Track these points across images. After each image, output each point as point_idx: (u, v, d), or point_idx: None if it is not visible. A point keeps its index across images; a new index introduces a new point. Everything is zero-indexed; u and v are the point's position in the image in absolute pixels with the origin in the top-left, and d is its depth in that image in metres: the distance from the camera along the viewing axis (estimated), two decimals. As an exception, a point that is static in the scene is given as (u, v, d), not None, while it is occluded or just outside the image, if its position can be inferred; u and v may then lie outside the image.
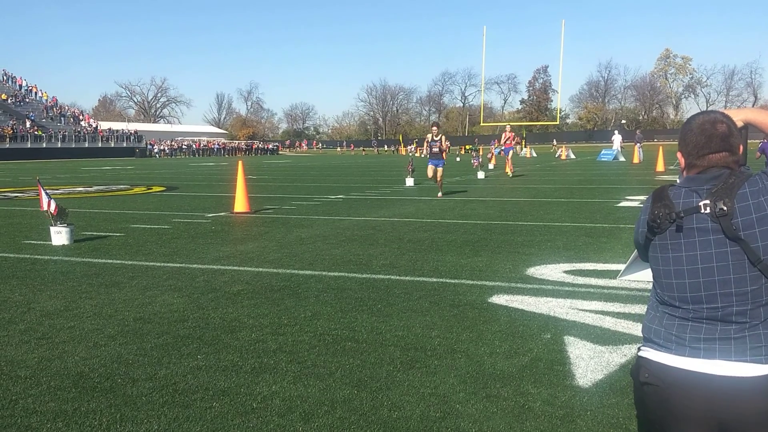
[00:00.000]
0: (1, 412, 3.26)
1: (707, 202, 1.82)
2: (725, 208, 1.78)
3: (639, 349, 1.99)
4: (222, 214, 12.47)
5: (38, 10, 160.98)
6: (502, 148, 24.56)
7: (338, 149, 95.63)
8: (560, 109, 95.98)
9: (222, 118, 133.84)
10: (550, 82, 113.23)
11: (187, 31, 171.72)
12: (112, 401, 3.39)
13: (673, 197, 1.89)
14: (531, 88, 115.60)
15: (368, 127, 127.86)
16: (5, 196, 17.62)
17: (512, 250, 7.99)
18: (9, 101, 69.11)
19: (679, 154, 1.99)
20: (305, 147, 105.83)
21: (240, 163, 13.74)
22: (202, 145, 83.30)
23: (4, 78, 75.84)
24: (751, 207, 1.79)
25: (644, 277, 5.88)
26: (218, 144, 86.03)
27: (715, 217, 1.80)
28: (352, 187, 19.71)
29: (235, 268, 7.06)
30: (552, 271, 6.65)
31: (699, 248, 1.83)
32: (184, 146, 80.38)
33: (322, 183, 22.50)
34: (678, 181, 2.06)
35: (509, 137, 25.27)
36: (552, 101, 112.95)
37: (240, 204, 12.81)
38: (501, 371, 3.83)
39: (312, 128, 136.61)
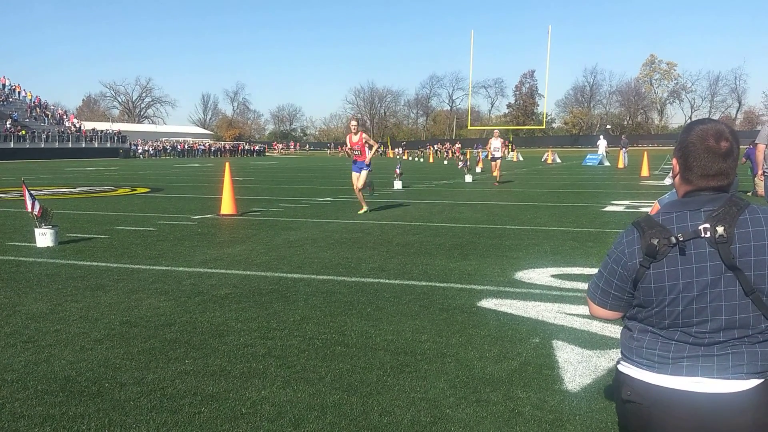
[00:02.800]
0: (-14, 417, 3.22)
1: (707, 225, 1.78)
2: (725, 235, 1.76)
3: (618, 362, 1.96)
4: (208, 216, 12.40)
5: (23, 9, 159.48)
6: (493, 154, 23.29)
7: (327, 151, 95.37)
8: (546, 114, 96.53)
9: (208, 119, 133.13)
10: (536, 87, 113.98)
11: (173, 31, 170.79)
12: (100, 406, 3.36)
13: (665, 223, 1.84)
14: (518, 93, 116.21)
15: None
16: (-12, 196, 17.39)
17: (500, 254, 8.02)
18: (-9, 100, 68.27)
19: (674, 161, 1.94)
20: (294, 149, 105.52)
21: (227, 164, 13.67)
22: (187, 146, 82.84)
23: (-13, 77, 74.88)
24: (750, 235, 1.77)
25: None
26: (204, 145, 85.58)
27: (714, 242, 1.77)
28: (340, 189, 19.69)
29: (223, 271, 7.02)
30: (540, 276, 6.68)
31: (696, 275, 1.79)
32: (168, 147, 79.85)
33: (310, 185, 22.45)
34: (667, 181, 2.06)
35: (501, 144, 24.22)
36: (538, 105, 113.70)
37: (227, 206, 12.75)
38: (491, 376, 3.84)
39: (299, 130, 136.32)
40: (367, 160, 12.81)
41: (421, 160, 60.49)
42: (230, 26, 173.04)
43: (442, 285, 6.27)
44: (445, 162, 49.69)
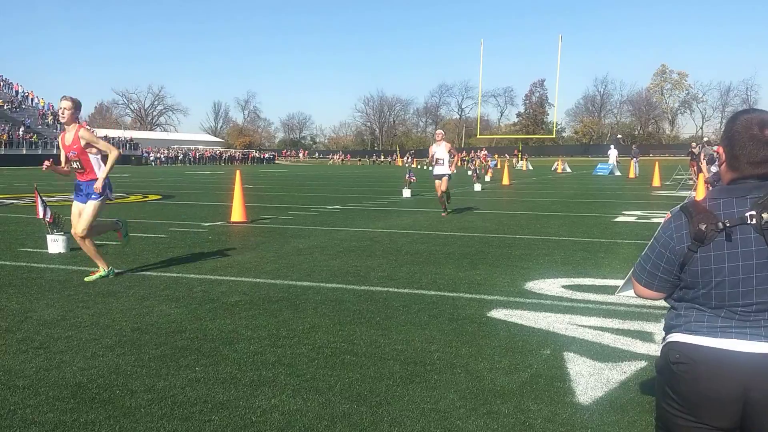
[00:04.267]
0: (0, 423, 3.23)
1: (753, 212, 1.86)
2: None
3: (664, 339, 2.05)
4: (219, 223, 12.45)
5: (37, 18, 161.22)
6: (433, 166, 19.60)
7: (329, 160, 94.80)
8: (556, 123, 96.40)
9: (219, 127, 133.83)
10: (546, 96, 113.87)
11: (185, 39, 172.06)
12: (111, 413, 3.36)
13: (712, 209, 1.92)
14: (527, 102, 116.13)
15: (365, 137, 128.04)
16: (1, 202, 17.54)
17: (510, 263, 7.99)
18: (5, 107, 68.96)
19: (720, 150, 2.02)
20: (302, 156, 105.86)
21: (238, 172, 13.74)
22: (198, 153, 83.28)
23: (1, 84, 75.72)
24: None
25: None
26: (215, 153, 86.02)
27: (759, 228, 1.85)
28: (349, 197, 19.72)
29: (233, 278, 7.04)
30: (550, 286, 6.65)
31: (741, 259, 1.88)
32: (180, 155, 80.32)
33: (320, 193, 22.49)
34: (711, 171, 2.15)
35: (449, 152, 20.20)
36: (548, 115, 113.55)
37: (237, 214, 12.80)
38: (501, 387, 3.82)
39: (309, 138, 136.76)
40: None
41: (431, 168, 60.50)
42: (242, 34, 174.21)
43: (451, 294, 6.25)
44: (454, 170, 49.66)
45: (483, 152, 46.51)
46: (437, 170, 14.41)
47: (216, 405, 3.52)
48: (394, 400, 3.62)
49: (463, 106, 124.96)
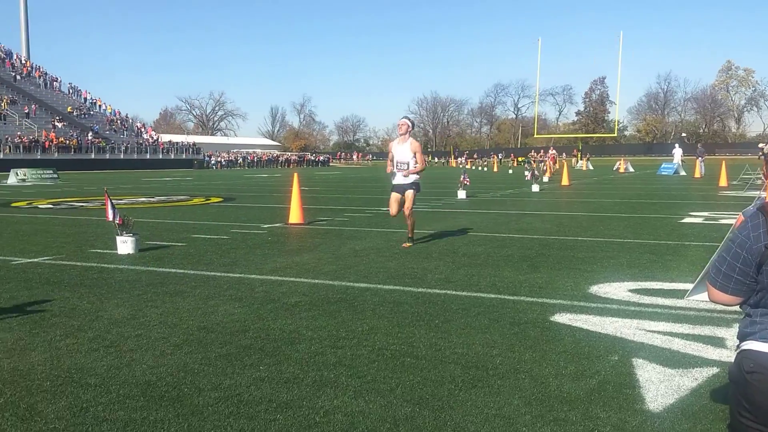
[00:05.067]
0: (72, 420, 3.34)
1: None
2: None
3: (737, 347, 1.98)
4: (277, 225, 12.64)
5: (107, 28, 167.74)
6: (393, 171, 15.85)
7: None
8: (618, 121, 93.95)
9: (276, 131, 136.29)
10: (607, 94, 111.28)
11: (245, 47, 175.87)
12: (180, 411, 3.44)
13: None
14: (587, 100, 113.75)
15: (418, 138, 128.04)
16: (71, 205, 18.30)
17: (572, 266, 7.81)
18: (74, 113, 72.01)
19: None
20: (356, 159, 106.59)
21: (295, 175, 13.93)
22: (256, 157, 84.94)
23: (70, 91, 79.15)
24: None
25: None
26: (272, 156, 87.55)
27: None
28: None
29: (293, 279, 7.12)
30: (616, 290, 6.46)
31: None
32: (239, 158, 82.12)
33: (374, 195, 22.58)
34: None
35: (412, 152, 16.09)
36: (609, 113, 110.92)
37: (295, 215, 12.97)
38: (568, 394, 3.73)
39: (362, 140, 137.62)
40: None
41: (485, 169, 59.93)
42: (299, 38, 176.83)
43: (511, 298, 6.15)
44: (510, 171, 49.02)
45: (552, 152, 44.54)
46: (398, 179, 9.49)
47: (280, 404, 3.55)
48: (456, 404, 3.58)
49: (519, 106, 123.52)
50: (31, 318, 5.47)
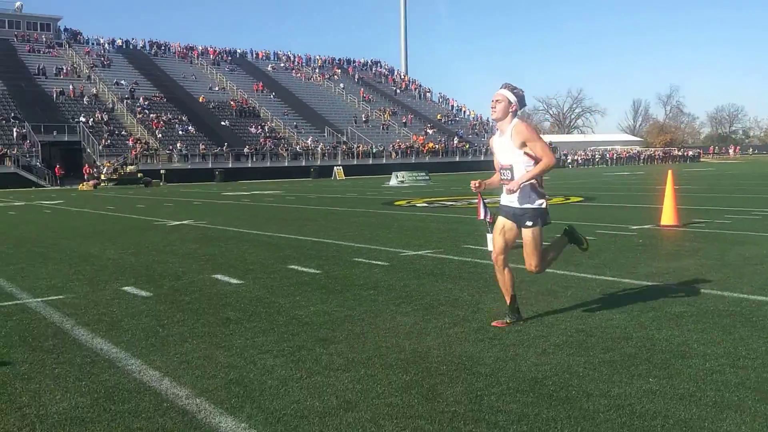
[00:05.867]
0: (470, 405, 3.58)
1: None
2: None
3: None
4: (647, 226, 11.87)
5: (464, 38, 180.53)
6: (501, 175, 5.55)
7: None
8: None
9: (637, 125, 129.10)
10: None
11: (604, 39, 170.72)
12: (570, 413, 3.42)
13: None
14: None
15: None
16: (443, 204, 20.03)
17: None
18: (443, 120, 79.20)
19: None
20: (732, 153, 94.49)
21: (669, 172, 12.89)
22: (615, 154, 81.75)
23: (440, 100, 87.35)
24: None
25: None
26: (633, 152, 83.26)
27: None
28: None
29: (672, 285, 6.56)
30: None
31: None
32: (597, 156, 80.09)
33: (759, 194, 19.61)
34: None
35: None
36: None
37: (668, 216, 12.01)
38: None
39: (740, 132, 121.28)
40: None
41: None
42: (665, 26, 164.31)
43: None
44: None
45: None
46: (503, 197, 5.49)
47: (677, 422, 3.26)
48: None
49: None
50: (422, 304, 6.09)
